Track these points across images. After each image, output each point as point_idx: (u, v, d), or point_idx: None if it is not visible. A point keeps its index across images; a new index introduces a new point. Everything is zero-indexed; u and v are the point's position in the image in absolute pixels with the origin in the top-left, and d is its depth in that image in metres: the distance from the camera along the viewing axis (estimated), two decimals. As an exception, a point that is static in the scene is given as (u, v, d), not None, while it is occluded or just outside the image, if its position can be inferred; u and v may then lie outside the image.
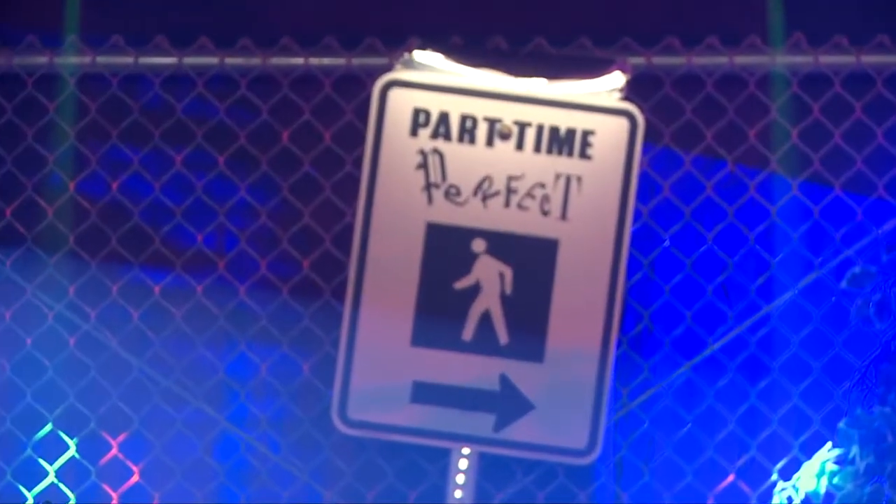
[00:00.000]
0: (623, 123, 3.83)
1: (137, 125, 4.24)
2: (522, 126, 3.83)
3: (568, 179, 3.78)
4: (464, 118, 3.81)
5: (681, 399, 4.03)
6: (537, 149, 3.78)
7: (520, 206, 3.75)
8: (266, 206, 4.18)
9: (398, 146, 3.76)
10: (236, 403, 4.04)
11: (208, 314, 4.06)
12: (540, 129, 3.84)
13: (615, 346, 3.65)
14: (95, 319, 4.06)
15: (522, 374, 3.68)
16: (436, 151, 3.74)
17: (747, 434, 3.96)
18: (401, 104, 3.81)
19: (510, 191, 3.76)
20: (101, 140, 4.28)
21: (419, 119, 3.78)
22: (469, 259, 3.78)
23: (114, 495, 3.94)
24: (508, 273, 3.77)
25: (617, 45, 4.20)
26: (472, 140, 3.82)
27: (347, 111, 4.19)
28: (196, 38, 4.27)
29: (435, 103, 3.81)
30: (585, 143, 3.83)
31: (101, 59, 4.32)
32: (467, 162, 3.83)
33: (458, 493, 3.56)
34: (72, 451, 3.81)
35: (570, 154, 3.75)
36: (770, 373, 3.95)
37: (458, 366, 3.69)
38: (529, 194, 3.77)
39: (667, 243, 4.10)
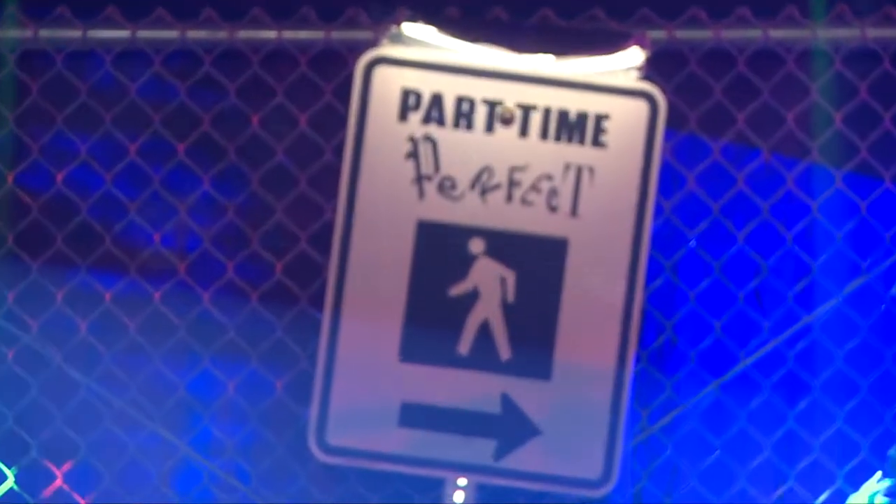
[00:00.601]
0: (642, 106, 3.60)
1: (86, 108, 3.96)
2: (527, 109, 3.60)
3: (579, 170, 3.57)
4: (460, 100, 3.58)
5: (708, 422, 3.76)
6: (544, 135, 3.57)
7: (524, 201, 3.54)
8: (233, 201, 3.96)
9: (385, 132, 3.55)
10: (199, 427, 3.79)
11: (167, 324, 3.83)
12: (547, 112, 3.62)
13: (633, 362, 3.40)
14: (38, 330, 3.84)
15: (527, 394, 3.45)
16: (428, 139, 3.54)
17: (784, 462, 3.70)
18: (388, 84, 3.57)
19: (513, 183, 3.55)
20: (45, 125, 4.00)
21: (409, 101, 3.56)
22: (466, 261, 3.55)
23: (58, 531, 3.72)
24: (511, 277, 3.54)
25: (635, 17, 3.97)
26: (470, 125, 3.60)
27: (326, 92, 3.94)
28: (153, 8, 3.98)
29: (427, 83, 3.58)
30: (599, 129, 3.61)
31: (44, 33, 4.03)
32: (464, 150, 3.60)
33: (452, 530, 3.24)
34: (10, 483, 3.70)
35: (582, 141, 3.56)
36: (811, 392, 3.70)
37: (453, 384, 3.46)
38: (535, 187, 3.56)
39: (692, 244, 3.81)
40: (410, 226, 3.51)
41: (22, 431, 3.73)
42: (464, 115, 3.60)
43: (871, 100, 3.69)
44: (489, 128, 3.61)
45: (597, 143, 3.61)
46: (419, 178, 3.53)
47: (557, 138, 3.61)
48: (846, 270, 3.69)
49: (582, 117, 3.60)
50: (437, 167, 3.58)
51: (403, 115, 3.55)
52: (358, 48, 3.62)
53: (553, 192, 3.59)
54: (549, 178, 3.60)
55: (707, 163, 3.85)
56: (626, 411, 3.39)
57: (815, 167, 3.77)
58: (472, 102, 3.60)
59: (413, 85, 3.60)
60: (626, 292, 3.49)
